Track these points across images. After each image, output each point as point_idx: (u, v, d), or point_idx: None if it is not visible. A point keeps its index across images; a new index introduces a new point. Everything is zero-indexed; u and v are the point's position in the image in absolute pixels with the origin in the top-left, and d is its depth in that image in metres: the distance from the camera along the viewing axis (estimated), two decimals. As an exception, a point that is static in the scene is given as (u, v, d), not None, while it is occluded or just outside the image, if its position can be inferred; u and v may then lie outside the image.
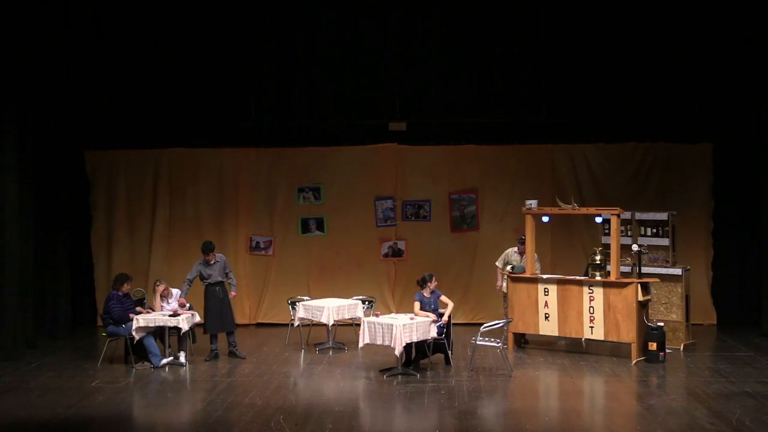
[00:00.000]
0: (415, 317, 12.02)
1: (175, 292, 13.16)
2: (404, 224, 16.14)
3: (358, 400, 11.13)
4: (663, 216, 13.68)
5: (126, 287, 12.89)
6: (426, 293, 12.41)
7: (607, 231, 13.50)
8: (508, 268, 13.73)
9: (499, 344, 12.14)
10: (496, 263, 14.14)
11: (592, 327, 12.91)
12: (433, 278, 12.47)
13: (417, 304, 12.40)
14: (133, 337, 12.48)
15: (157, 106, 15.75)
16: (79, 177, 15.92)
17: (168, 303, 13.02)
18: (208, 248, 13.15)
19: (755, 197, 15.09)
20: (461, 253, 16.05)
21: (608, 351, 13.27)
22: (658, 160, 15.78)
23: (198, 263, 13.23)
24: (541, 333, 13.41)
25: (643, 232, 13.73)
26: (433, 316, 12.16)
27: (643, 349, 12.68)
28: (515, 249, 13.95)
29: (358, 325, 12.86)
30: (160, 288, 13.01)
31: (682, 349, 13.38)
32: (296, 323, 13.85)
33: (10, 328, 13.08)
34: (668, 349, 12.82)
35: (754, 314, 15.08)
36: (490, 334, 12.33)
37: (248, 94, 15.86)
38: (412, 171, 16.10)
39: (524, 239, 13.72)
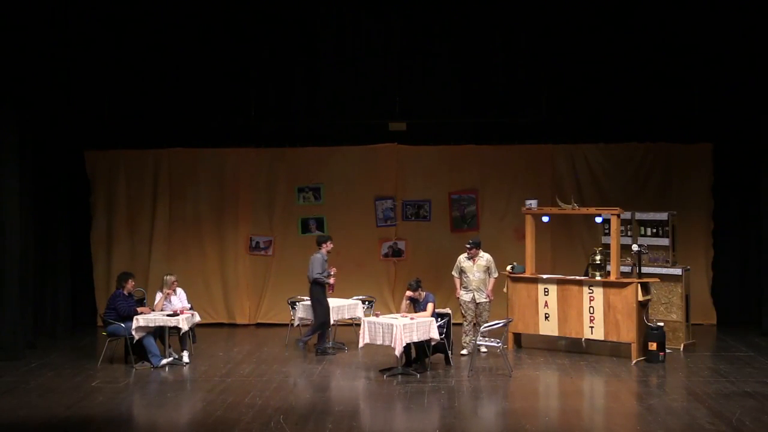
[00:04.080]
0: (415, 317, 12.02)
1: (180, 291, 13.16)
2: (404, 224, 16.13)
3: (358, 400, 11.14)
4: (663, 216, 13.67)
5: (130, 284, 12.88)
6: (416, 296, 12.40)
7: (607, 231, 13.50)
8: (509, 268, 13.68)
9: (499, 344, 12.15)
10: (453, 272, 13.53)
11: (592, 327, 12.91)
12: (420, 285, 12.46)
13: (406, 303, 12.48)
14: (132, 337, 12.49)
15: (157, 106, 15.74)
16: (79, 177, 15.92)
17: (170, 302, 13.00)
18: (327, 237, 13.32)
19: (755, 197, 15.09)
20: (461, 253, 15.99)
21: (608, 351, 13.27)
22: (658, 160, 15.78)
23: (318, 258, 13.14)
24: (541, 333, 13.41)
25: (643, 232, 13.73)
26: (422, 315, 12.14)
27: (643, 349, 12.68)
28: (465, 255, 13.37)
29: (358, 325, 12.86)
30: (172, 280, 12.98)
31: (682, 349, 13.38)
32: (296, 323, 13.85)
33: (10, 328, 13.08)
34: (668, 349, 12.82)
35: (754, 314, 15.09)
36: (490, 334, 12.34)
37: (248, 94, 15.85)
38: (412, 171, 16.10)
39: (471, 244, 13.30)
